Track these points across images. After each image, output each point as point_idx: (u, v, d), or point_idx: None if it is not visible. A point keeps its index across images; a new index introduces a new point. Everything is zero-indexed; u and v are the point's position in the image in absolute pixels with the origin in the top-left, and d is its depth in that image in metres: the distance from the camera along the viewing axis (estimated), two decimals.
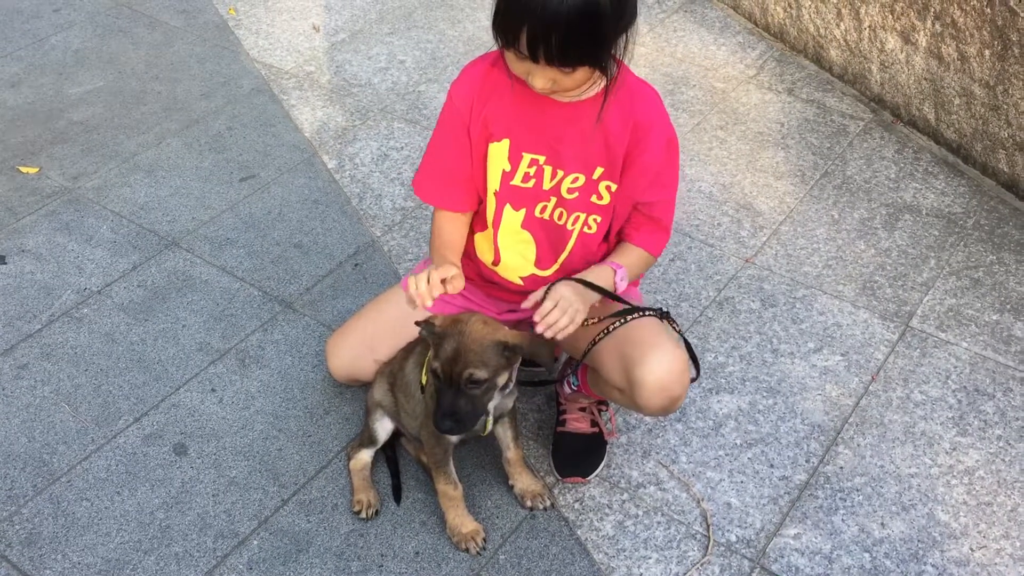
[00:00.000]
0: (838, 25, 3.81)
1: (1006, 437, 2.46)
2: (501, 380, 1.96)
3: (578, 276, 2.03)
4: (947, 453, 2.42)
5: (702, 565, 2.16)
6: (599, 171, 2.09)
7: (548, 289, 1.99)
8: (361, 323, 2.43)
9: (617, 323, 2.07)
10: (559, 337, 1.98)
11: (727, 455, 2.41)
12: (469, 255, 2.29)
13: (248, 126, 3.58)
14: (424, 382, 2.14)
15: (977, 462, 2.40)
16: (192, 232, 3.08)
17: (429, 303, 1.95)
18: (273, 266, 2.95)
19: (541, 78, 1.89)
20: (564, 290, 1.98)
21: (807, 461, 2.39)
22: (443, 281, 1.98)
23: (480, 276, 2.29)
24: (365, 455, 2.32)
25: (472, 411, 1.91)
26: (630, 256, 2.14)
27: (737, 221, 3.15)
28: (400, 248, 3.03)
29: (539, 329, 1.96)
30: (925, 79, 3.51)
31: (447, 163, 2.18)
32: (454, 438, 2.12)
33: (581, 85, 1.95)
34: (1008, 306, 2.85)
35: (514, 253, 2.21)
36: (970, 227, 3.16)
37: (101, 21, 4.21)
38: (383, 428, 2.28)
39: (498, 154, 2.11)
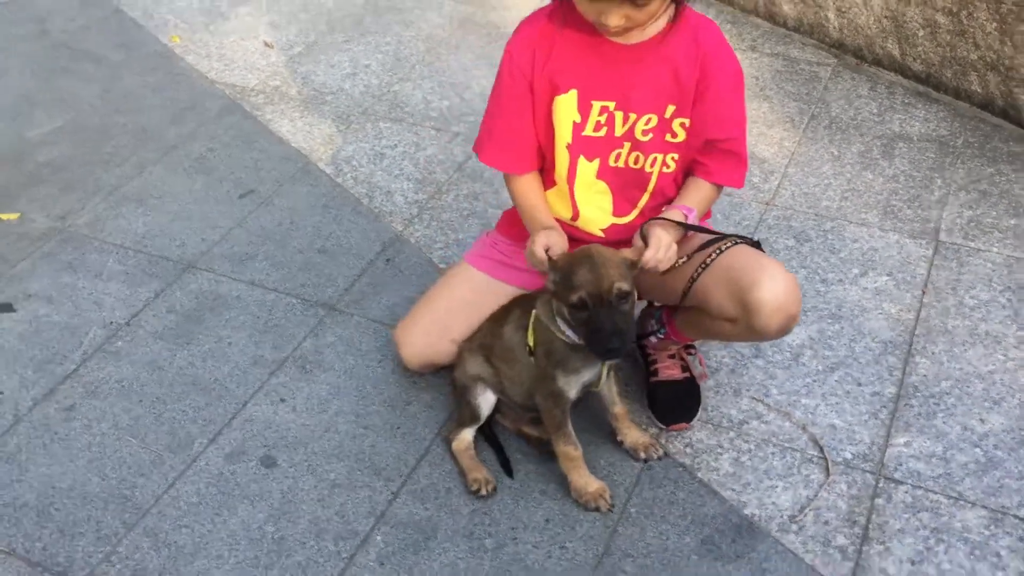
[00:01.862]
0: None
1: None
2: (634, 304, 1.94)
3: (659, 217, 2.03)
4: (1015, 347, 2.51)
5: (829, 484, 2.17)
6: (671, 109, 2.09)
7: (644, 234, 1.97)
8: (431, 307, 2.37)
9: (713, 254, 2.06)
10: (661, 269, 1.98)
11: (814, 381, 2.43)
12: None
13: (230, 145, 3.45)
14: (532, 344, 2.09)
15: None
16: (206, 253, 2.94)
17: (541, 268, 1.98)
18: (303, 273, 2.84)
19: (616, 15, 1.88)
20: (660, 232, 1.98)
21: (891, 375, 2.44)
22: (547, 250, 1.99)
23: None
24: (467, 435, 2.25)
25: (627, 327, 1.88)
26: (699, 194, 2.15)
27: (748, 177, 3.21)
28: (427, 238, 2.97)
29: (647, 264, 1.95)
30: (885, 17, 3.66)
31: (512, 125, 2.15)
32: (572, 395, 2.08)
33: (653, 16, 1.95)
34: (1021, 210, 2.99)
35: (592, 206, 2.19)
36: (961, 146, 3.30)
37: (41, 63, 4.00)
38: (486, 401, 2.22)
39: (566, 106, 2.09)
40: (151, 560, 2.07)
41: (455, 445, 2.24)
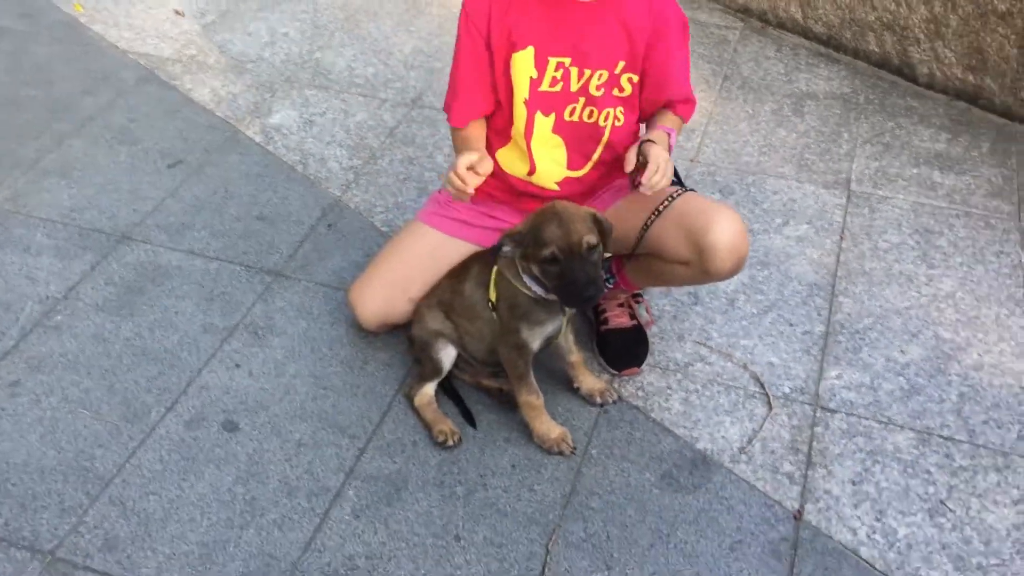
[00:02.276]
0: None
1: (966, 263, 2.79)
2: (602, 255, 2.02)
3: (648, 138, 2.11)
4: (926, 284, 2.72)
5: (772, 417, 2.33)
6: (621, 64, 2.18)
7: (642, 151, 2.05)
8: (386, 266, 2.40)
9: (666, 201, 2.17)
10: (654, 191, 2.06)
11: (750, 323, 2.58)
12: (494, 174, 2.32)
13: (151, 115, 3.38)
14: (494, 299, 2.16)
15: (952, 287, 2.71)
16: (140, 224, 2.89)
17: (471, 190, 2.03)
18: (244, 241, 2.83)
19: None
20: (660, 151, 2.06)
21: (819, 314, 2.61)
22: (470, 169, 2.04)
23: (511, 191, 2.33)
24: (428, 389, 2.31)
25: (599, 277, 1.96)
26: (670, 120, 2.25)
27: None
28: (366, 203, 2.99)
29: (644, 189, 2.03)
30: None
31: (471, 81, 2.20)
32: (535, 347, 2.16)
33: None
34: (921, 160, 3.21)
35: (547, 160, 2.26)
36: (863, 103, 3.51)
37: None
38: (447, 356, 2.28)
39: (523, 62, 2.16)
40: (121, 527, 2.06)
41: (417, 400, 2.30)
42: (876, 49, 3.68)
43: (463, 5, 2.16)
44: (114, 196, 3.00)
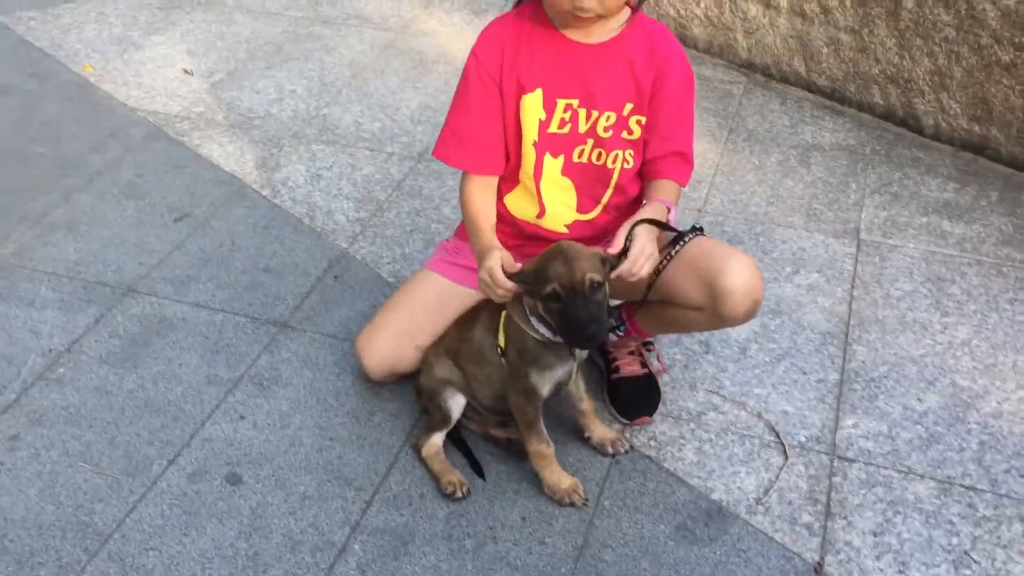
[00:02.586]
0: (698, 4, 4.12)
1: (980, 310, 2.75)
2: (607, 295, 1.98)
3: (644, 217, 2.08)
4: (941, 332, 2.68)
5: (789, 466, 2.27)
6: (628, 107, 2.17)
7: (629, 235, 2.03)
8: (393, 314, 2.38)
9: (677, 248, 2.15)
10: (637, 278, 2.03)
11: (763, 372, 2.54)
12: (503, 219, 2.30)
13: (158, 171, 3.39)
14: (503, 344, 2.12)
15: (968, 334, 2.67)
16: (145, 277, 2.87)
17: (503, 292, 2.01)
18: (249, 293, 2.81)
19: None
20: (645, 237, 2.02)
21: (832, 363, 2.57)
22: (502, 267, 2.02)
23: (520, 235, 2.31)
24: (436, 439, 2.26)
25: (602, 316, 1.92)
26: (668, 191, 2.23)
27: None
28: (373, 254, 2.97)
29: (624, 273, 2.00)
30: (791, 37, 3.87)
31: (477, 126, 2.20)
32: (545, 393, 2.12)
33: (620, 6, 2.04)
34: (930, 209, 3.19)
35: (557, 202, 2.25)
36: (869, 154, 3.51)
37: None
38: (456, 404, 2.23)
39: (532, 105, 2.16)
40: None
41: (425, 451, 2.25)
42: (880, 101, 3.69)
43: (474, 51, 2.17)
44: (120, 250, 2.99)
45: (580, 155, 2.20)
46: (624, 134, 2.19)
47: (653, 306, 2.26)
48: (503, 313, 2.11)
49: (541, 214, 2.25)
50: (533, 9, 2.09)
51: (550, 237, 2.26)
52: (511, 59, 2.13)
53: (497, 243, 2.12)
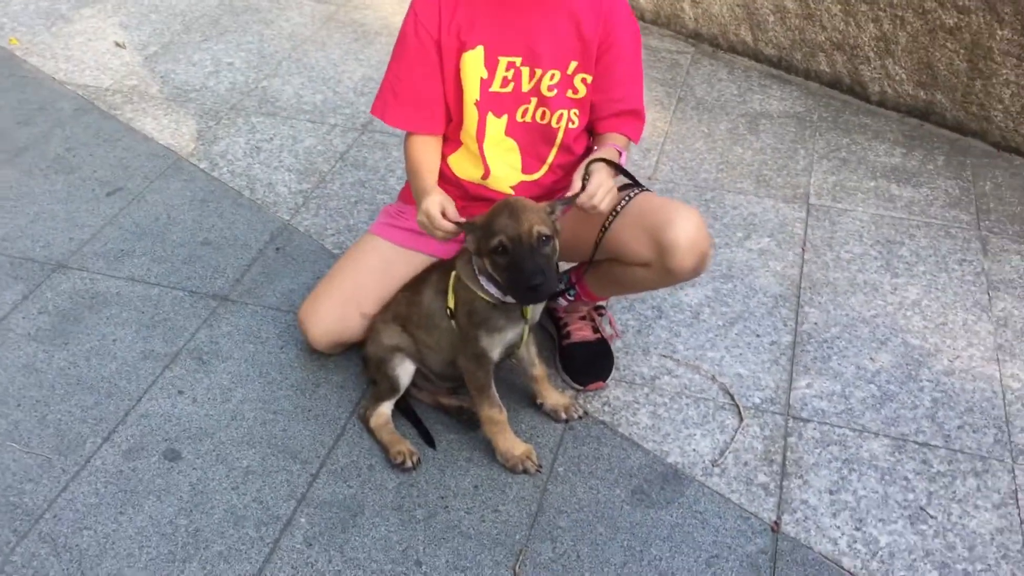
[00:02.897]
0: None
1: (929, 271, 2.75)
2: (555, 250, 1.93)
3: (598, 156, 2.03)
4: (891, 293, 2.67)
5: (744, 428, 2.24)
6: (573, 65, 2.12)
7: (587, 172, 1.98)
8: (338, 282, 2.29)
9: (623, 201, 2.10)
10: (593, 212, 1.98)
11: (716, 335, 2.51)
12: (448, 179, 2.23)
13: (89, 144, 3.26)
14: (452, 306, 2.06)
15: (918, 294, 2.66)
16: (76, 252, 2.75)
17: (442, 233, 1.95)
18: (187, 266, 2.70)
19: None
20: (603, 173, 1.98)
21: (785, 325, 2.55)
22: (442, 213, 1.95)
23: (466, 196, 2.24)
24: (384, 409, 2.19)
25: (549, 269, 1.85)
26: (618, 142, 2.18)
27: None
28: (317, 226, 2.88)
29: (584, 205, 1.95)
30: (738, 6, 3.85)
31: (416, 84, 2.12)
32: (495, 356, 2.05)
33: None
34: (878, 173, 3.19)
35: (501, 163, 2.18)
36: (816, 120, 3.50)
37: None
38: (405, 372, 2.16)
39: (473, 62, 2.09)
40: (51, 566, 1.89)
41: (373, 421, 2.17)
42: (827, 69, 3.68)
43: (411, 7, 2.09)
44: (49, 224, 2.86)
45: (524, 115, 2.14)
46: (569, 92, 2.13)
47: (602, 266, 2.21)
48: (452, 274, 2.05)
49: (486, 175, 2.18)
50: None
51: (496, 198, 2.19)
52: (450, 14, 2.06)
53: (438, 189, 2.05)
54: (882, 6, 3.39)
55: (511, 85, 2.10)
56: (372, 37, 3.99)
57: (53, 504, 2.02)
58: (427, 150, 2.17)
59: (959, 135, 3.39)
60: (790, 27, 3.71)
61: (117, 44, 3.90)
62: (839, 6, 3.51)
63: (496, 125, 2.13)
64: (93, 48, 3.86)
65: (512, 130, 2.14)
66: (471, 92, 2.09)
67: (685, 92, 3.66)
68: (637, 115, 2.20)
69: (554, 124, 2.14)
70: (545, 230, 1.86)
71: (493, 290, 1.96)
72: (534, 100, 2.12)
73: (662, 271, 2.05)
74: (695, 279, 2.28)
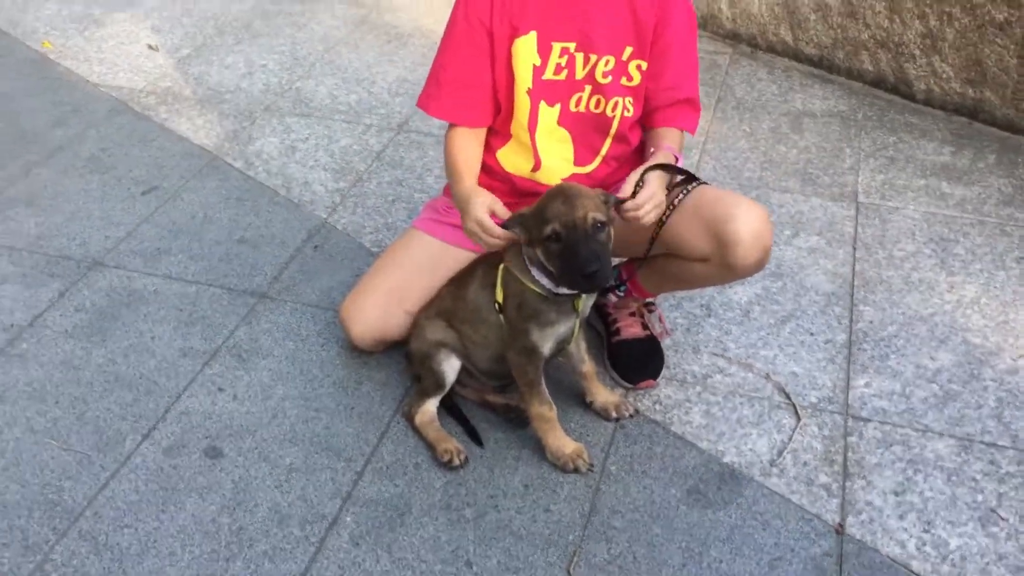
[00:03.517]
0: None
1: (986, 269, 2.67)
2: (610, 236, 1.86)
3: (655, 163, 1.95)
4: (948, 291, 2.58)
5: (802, 427, 2.16)
6: (628, 51, 2.05)
7: (640, 180, 1.90)
8: (383, 278, 2.24)
9: (681, 195, 2.03)
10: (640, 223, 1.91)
11: (769, 334, 2.43)
12: (495, 175, 2.17)
13: (123, 144, 3.23)
14: (501, 301, 1.99)
15: (976, 293, 2.58)
16: (112, 250, 2.71)
17: (495, 241, 1.88)
18: (225, 264, 2.66)
19: None
20: (656, 183, 1.89)
21: (839, 323, 2.46)
22: (492, 215, 1.89)
23: (515, 192, 2.17)
24: (430, 406, 2.12)
25: (605, 256, 1.78)
26: (673, 138, 2.11)
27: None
28: (354, 224, 2.83)
29: (628, 215, 1.88)
30: (777, 5, 3.78)
31: (463, 73, 2.07)
32: (546, 351, 1.98)
33: None
34: (928, 171, 3.11)
35: (554, 155, 2.12)
36: (861, 119, 3.42)
37: None
38: (451, 367, 2.10)
39: (526, 49, 2.03)
40: (92, 565, 1.84)
41: (419, 419, 2.11)
42: (871, 68, 3.61)
43: None
44: (85, 223, 2.82)
45: (578, 103, 2.07)
46: (624, 80, 2.07)
47: (657, 261, 2.14)
48: (501, 267, 1.98)
49: (536, 167, 2.11)
50: None
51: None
52: (501, 0, 2.00)
53: (480, 189, 1.98)
54: (928, 2, 3.31)
55: (564, 72, 2.04)
56: (405, 39, 3.95)
57: (93, 502, 1.96)
58: (469, 146, 2.11)
59: (1010, 133, 3.31)
60: (832, 25, 3.64)
61: (150, 47, 3.88)
62: (883, 3, 3.44)
63: (549, 114, 2.07)
64: (126, 51, 3.84)
65: (565, 119, 2.07)
66: (523, 80, 2.03)
67: (725, 92, 3.59)
68: (692, 104, 2.14)
69: (609, 113, 2.07)
70: (600, 216, 1.80)
71: (545, 281, 1.90)
72: (588, 88, 2.05)
73: (723, 266, 1.98)
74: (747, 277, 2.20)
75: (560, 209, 1.79)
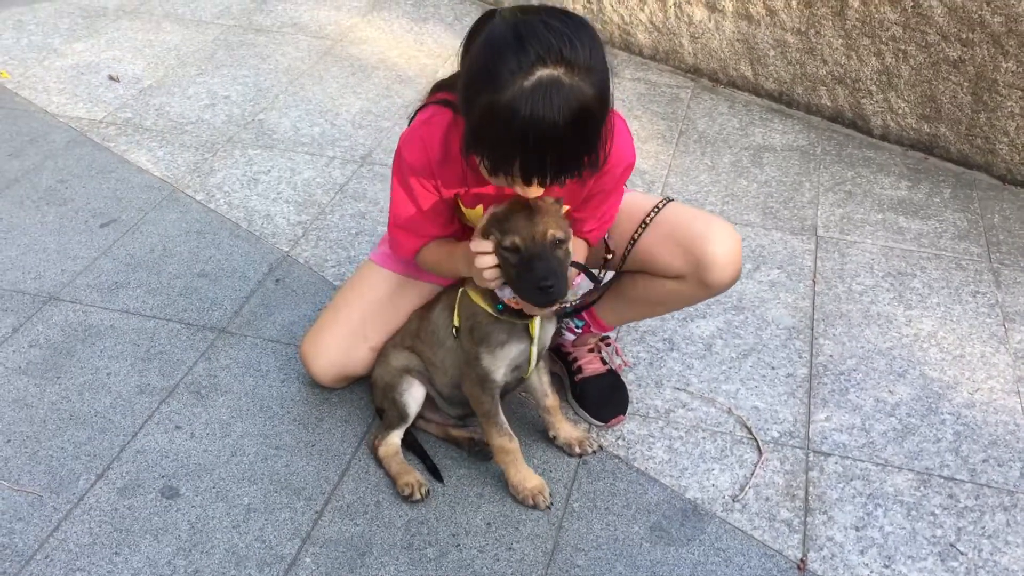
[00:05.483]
0: (642, 9, 4.07)
1: (943, 303, 2.70)
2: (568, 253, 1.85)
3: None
4: (906, 325, 2.61)
5: (764, 462, 2.16)
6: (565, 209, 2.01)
7: None
8: (342, 314, 2.22)
9: (652, 213, 2.04)
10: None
11: (730, 368, 2.44)
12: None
13: (81, 176, 3.19)
14: (457, 324, 1.98)
15: (933, 326, 2.61)
16: (68, 284, 2.66)
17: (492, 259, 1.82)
18: (184, 298, 2.62)
19: (535, 191, 1.75)
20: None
21: (800, 357, 2.48)
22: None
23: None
24: (394, 438, 2.11)
25: (561, 272, 1.77)
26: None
27: (629, 182, 3.24)
28: (317, 257, 2.81)
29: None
30: (737, 40, 3.84)
31: (422, 214, 1.98)
32: (499, 378, 1.96)
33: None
34: (885, 206, 3.16)
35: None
36: (820, 154, 3.47)
37: None
38: (413, 398, 2.08)
39: (475, 215, 1.98)
40: None
41: (382, 451, 2.09)
42: (829, 103, 3.67)
43: (400, 154, 1.91)
44: (40, 256, 2.77)
45: None
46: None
47: (623, 281, 2.15)
48: (460, 290, 1.98)
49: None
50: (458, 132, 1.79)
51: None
52: (441, 172, 1.91)
53: (462, 243, 1.94)
54: (884, 40, 3.38)
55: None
56: (370, 71, 3.95)
57: (44, 544, 1.91)
58: (440, 243, 2.06)
59: (964, 168, 3.37)
60: (791, 61, 3.70)
61: (111, 78, 3.85)
62: (841, 40, 3.51)
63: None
64: (86, 81, 3.80)
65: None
66: (476, 221, 1.98)
67: (687, 126, 3.63)
68: (602, 228, 2.09)
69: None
70: (560, 235, 1.80)
71: (507, 292, 1.88)
72: None
73: (698, 285, 2.00)
74: (707, 304, 2.21)
75: (522, 223, 1.79)
